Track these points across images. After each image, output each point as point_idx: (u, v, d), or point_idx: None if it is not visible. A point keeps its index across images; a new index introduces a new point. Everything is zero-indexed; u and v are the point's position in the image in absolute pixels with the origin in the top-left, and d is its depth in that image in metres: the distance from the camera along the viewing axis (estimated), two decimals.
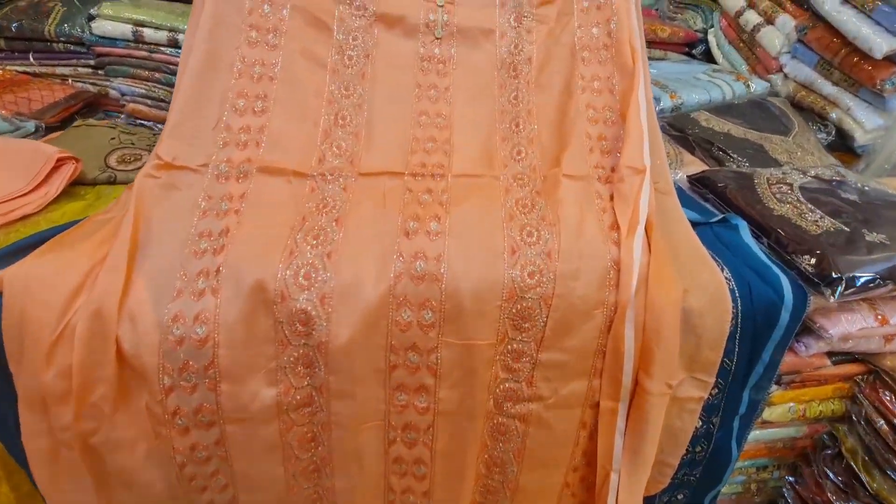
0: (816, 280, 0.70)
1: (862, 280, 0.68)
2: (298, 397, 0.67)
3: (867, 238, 0.74)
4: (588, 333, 0.69)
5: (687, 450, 0.78)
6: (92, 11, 1.52)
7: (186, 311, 0.63)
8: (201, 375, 0.64)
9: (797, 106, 1.36)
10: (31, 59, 1.53)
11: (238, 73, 0.80)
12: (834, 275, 0.68)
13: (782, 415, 0.83)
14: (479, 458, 0.78)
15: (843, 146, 1.27)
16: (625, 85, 0.85)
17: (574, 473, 0.80)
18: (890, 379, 0.78)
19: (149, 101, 1.63)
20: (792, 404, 0.83)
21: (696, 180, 0.99)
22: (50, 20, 1.50)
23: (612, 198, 0.76)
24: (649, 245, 0.70)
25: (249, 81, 0.80)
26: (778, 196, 0.85)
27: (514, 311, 0.67)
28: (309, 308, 0.63)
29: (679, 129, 1.25)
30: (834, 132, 1.27)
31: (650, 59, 1.71)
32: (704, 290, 0.67)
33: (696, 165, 1.14)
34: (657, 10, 1.98)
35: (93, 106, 1.59)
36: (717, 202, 0.93)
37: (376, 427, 0.72)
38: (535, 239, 0.69)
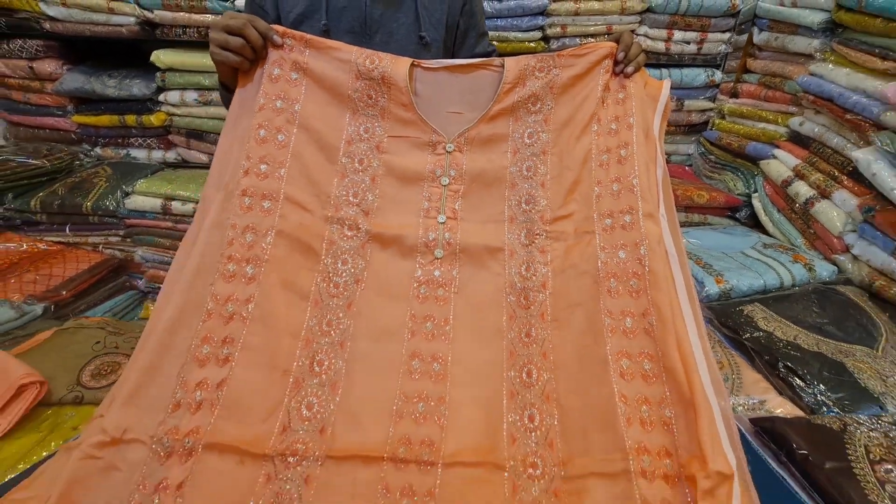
0: None
1: None
2: None
3: None
4: None
5: None
6: (128, 189, 1.59)
7: None
8: None
9: (877, 297, 1.15)
10: (68, 231, 1.59)
11: (207, 315, 0.71)
12: None
13: None
14: None
15: None
16: (667, 328, 0.69)
17: None
18: None
19: (168, 268, 1.65)
20: None
21: (764, 429, 0.77)
22: (91, 195, 1.58)
23: None
24: None
25: (218, 323, 0.70)
26: (889, 488, 0.62)
27: None
28: None
29: (732, 328, 1.06)
30: None
31: (687, 224, 1.58)
32: None
33: (758, 388, 0.92)
34: (691, 166, 1.91)
35: (118, 270, 1.62)
36: (795, 470, 0.70)
37: None
38: None
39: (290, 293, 0.75)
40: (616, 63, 0.85)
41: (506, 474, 0.60)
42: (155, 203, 1.57)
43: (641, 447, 0.61)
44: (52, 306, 1.29)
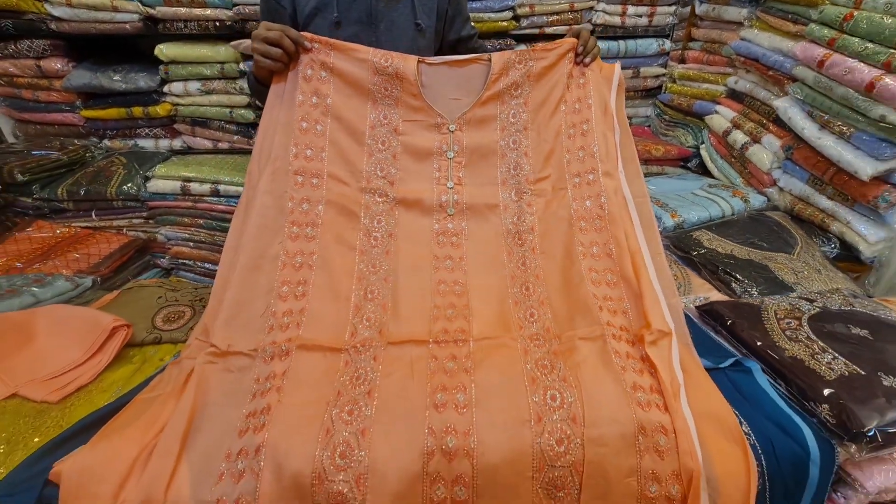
0: (839, 433, 0.70)
1: (887, 433, 0.68)
2: None
3: (885, 383, 0.74)
4: (625, 501, 0.69)
5: None
6: (148, 173, 1.74)
7: (229, 496, 0.67)
8: None
9: (797, 218, 1.42)
10: (94, 216, 1.73)
11: (282, 265, 0.91)
12: (854, 429, 0.68)
13: None
14: None
15: (851, 256, 1.30)
16: (623, 251, 0.92)
17: None
18: None
19: (191, 244, 1.81)
20: None
21: (705, 312, 1.02)
22: (112, 182, 1.71)
23: (628, 355, 0.80)
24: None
25: (292, 271, 0.91)
26: (788, 333, 0.88)
27: (546, 480, 0.68)
28: (345, 490, 0.66)
29: (684, 249, 1.31)
30: (838, 244, 1.31)
31: (648, 174, 1.83)
32: (726, 456, 0.68)
33: (704, 289, 1.18)
34: (649, 126, 2.16)
35: (142, 251, 1.77)
36: (728, 336, 0.95)
37: None
38: (558, 403, 0.72)
39: (341, 246, 0.96)
40: (577, 55, 1.07)
41: (518, 344, 0.83)
42: (175, 185, 1.72)
43: (609, 324, 0.84)
44: (99, 279, 1.44)
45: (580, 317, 0.86)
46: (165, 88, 1.87)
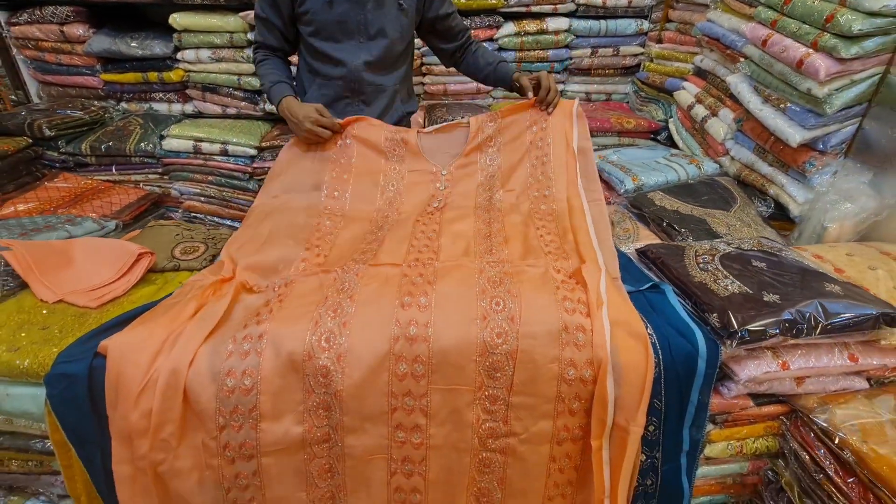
0: (721, 334, 0.89)
1: (753, 333, 0.86)
2: (319, 434, 0.87)
3: (764, 299, 0.92)
4: (548, 382, 0.88)
5: (638, 482, 0.93)
6: (163, 132, 1.90)
7: (237, 368, 0.86)
8: (246, 417, 0.85)
9: (743, 183, 1.59)
10: (114, 171, 1.91)
11: (311, 232, 1.20)
12: (732, 329, 0.87)
13: (722, 451, 0.97)
14: (469, 491, 0.94)
15: (783, 216, 1.47)
16: (562, 228, 1.17)
17: (549, 503, 0.95)
18: (807, 417, 0.93)
19: (202, 199, 1.99)
20: (730, 442, 0.97)
21: (641, 252, 1.20)
22: (130, 140, 1.89)
23: (563, 281, 0.98)
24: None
25: (313, 233, 1.19)
26: (701, 265, 1.06)
27: (487, 363, 0.88)
28: (329, 364, 0.85)
29: (638, 207, 1.48)
30: (773, 205, 1.48)
31: (621, 146, 1.99)
32: (630, 350, 0.87)
33: (649, 238, 1.35)
34: (627, 102, 2.31)
35: (157, 204, 1.95)
36: (656, 270, 1.14)
37: (381, 459, 0.90)
38: (501, 307, 0.91)
39: (357, 241, 1.19)
40: (537, 104, 1.34)
41: (475, 265, 1.02)
42: (187, 144, 1.89)
43: (553, 266, 1.03)
44: (121, 224, 1.63)
45: (531, 256, 1.06)
46: (178, 55, 2.02)
